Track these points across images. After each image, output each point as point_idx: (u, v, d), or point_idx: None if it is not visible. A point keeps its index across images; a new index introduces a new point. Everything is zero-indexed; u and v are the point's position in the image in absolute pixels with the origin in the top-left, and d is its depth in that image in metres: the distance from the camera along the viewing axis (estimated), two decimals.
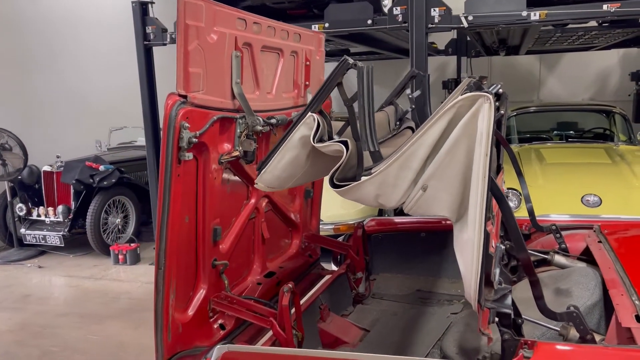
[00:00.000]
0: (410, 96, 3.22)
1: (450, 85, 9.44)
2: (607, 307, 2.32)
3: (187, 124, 2.01)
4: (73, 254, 6.85)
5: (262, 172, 2.09)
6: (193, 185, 2.24)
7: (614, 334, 2.01)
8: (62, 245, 6.59)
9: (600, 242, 2.84)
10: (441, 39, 9.37)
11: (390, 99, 3.10)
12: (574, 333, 1.97)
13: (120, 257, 6.36)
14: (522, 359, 1.65)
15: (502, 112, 2.89)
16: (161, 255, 2.07)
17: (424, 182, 1.69)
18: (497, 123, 2.95)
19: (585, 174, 5.25)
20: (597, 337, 1.99)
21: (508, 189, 5.03)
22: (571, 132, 6.88)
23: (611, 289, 2.22)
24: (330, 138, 1.92)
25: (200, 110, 2.10)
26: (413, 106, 3.15)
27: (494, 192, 1.89)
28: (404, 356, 1.71)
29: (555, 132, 7.02)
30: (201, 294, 2.35)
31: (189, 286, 2.31)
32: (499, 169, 2.73)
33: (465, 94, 1.55)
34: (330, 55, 9.96)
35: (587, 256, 2.85)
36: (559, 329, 2.02)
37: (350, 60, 1.95)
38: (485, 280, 1.74)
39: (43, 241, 6.63)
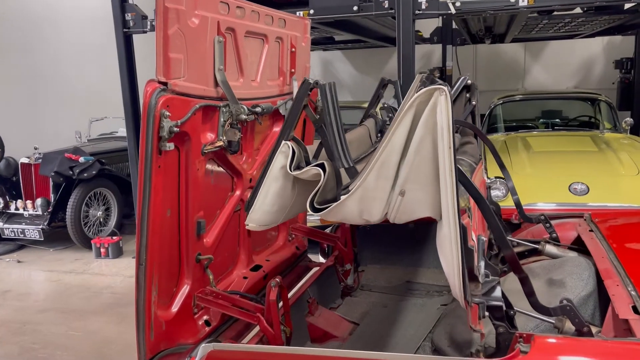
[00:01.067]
0: (385, 104, 3.16)
1: (435, 74, 9.38)
2: (601, 297, 2.28)
3: (167, 113, 1.91)
4: (53, 248, 6.71)
5: (250, 211, 1.99)
6: (175, 177, 2.15)
7: (611, 326, 1.97)
8: (42, 239, 6.43)
9: (591, 231, 2.80)
10: (426, 27, 9.31)
11: (368, 112, 3.04)
12: (569, 325, 1.93)
13: (102, 250, 6.23)
14: (518, 353, 1.59)
15: (474, 102, 2.90)
16: (142, 251, 1.98)
17: (400, 187, 1.67)
18: (471, 114, 2.93)
19: (572, 162, 5.24)
20: (594, 329, 1.94)
21: (495, 177, 4.99)
22: (557, 120, 6.87)
23: (606, 280, 2.17)
24: (308, 163, 1.88)
25: (182, 98, 2.01)
26: (390, 115, 3.09)
27: (467, 187, 1.85)
28: (392, 353, 1.65)
29: (541, 120, 7.01)
30: (185, 289, 2.27)
31: (172, 282, 2.23)
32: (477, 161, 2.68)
33: (420, 90, 1.52)
34: (314, 43, 9.85)
35: (578, 245, 2.81)
36: (553, 322, 1.97)
37: (311, 80, 1.92)
38: (469, 275, 1.70)
39: (22, 235, 6.47)
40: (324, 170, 1.75)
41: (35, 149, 6.70)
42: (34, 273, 5.97)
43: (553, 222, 3.11)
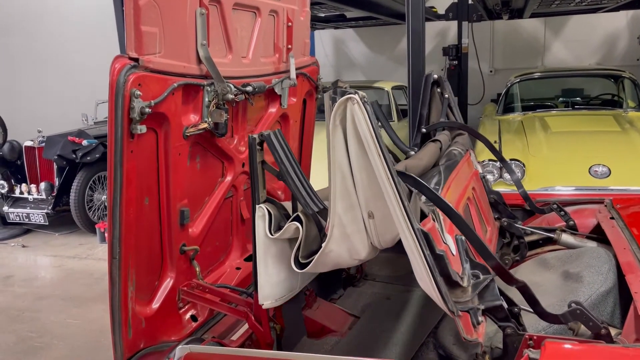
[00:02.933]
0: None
1: (451, 52, 9.06)
2: (622, 294, 2.07)
3: (138, 92, 1.74)
4: (59, 232, 6.64)
5: (258, 289, 1.84)
6: (153, 163, 1.98)
7: (633, 328, 1.77)
8: (47, 224, 6.36)
9: (612, 218, 2.58)
10: (441, 3, 8.99)
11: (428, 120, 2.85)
12: (585, 327, 1.73)
13: (107, 235, 6.11)
14: None
15: (447, 95, 2.79)
16: (115, 243, 1.83)
17: (366, 210, 1.57)
18: (448, 107, 2.81)
19: (593, 143, 4.97)
20: (613, 331, 1.74)
21: (510, 159, 4.78)
22: (577, 98, 6.57)
23: (628, 274, 1.96)
24: (289, 217, 1.74)
25: (157, 76, 1.83)
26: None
27: (432, 200, 1.72)
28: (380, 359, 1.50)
29: (560, 99, 6.72)
30: (168, 283, 2.12)
31: (153, 275, 2.07)
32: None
33: (333, 107, 1.45)
34: (325, 21, 9.58)
35: (598, 234, 2.59)
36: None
37: (256, 135, 1.77)
38: (448, 282, 1.54)
39: (27, 219, 6.40)
40: (302, 223, 1.63)
41: (39, 132, 6.60)
42: (38, 258, 5.91)
43: (570, 208, 2.90)
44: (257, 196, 1.74)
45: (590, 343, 1.58)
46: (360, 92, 1.43)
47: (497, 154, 2.89)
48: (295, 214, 1.69)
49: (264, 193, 1.77)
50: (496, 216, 2.72)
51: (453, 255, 1.73)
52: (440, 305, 1.50)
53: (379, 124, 2.87)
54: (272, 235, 1.70)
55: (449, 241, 1.74)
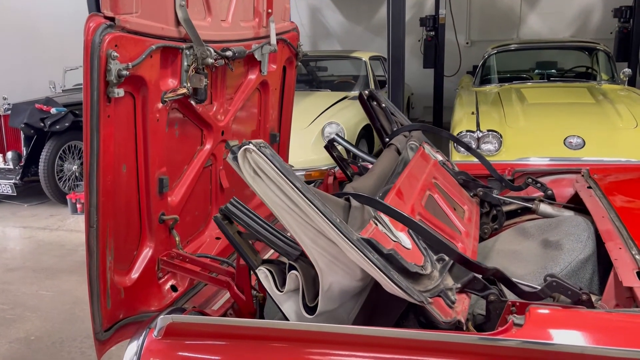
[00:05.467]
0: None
1: (428, 23, 9.00)
2: (600, 261, 2.10)
3: (115, 53, 1.65)
4: (28, 203, 6.46)
5: None
6: (130, 129, 1.91)
7: (612, 294, 1.79)
8: (15, 194, 6.17)
9: (590, 187, 2.60)
10: None
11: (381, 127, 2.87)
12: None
13: (79, 206, 5.99)
14: (511, 326, 1.40)
15: (384, 105, 2.85)
16: (92, 212, 1.76)
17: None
18: (390, 114, 2.84)
19: (568, 114, 5.02)
20: (592, 298, 1.76)
21: (488, 130, 4.80)
22: (553, 70, 6.62)
23: (607, 242, 1.99)
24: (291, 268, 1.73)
25: (134, 37, 1.75)
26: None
27: (367, 204, 1.77)
28: (364, 327, 1.48)
29: (536, 71, 6.76)
30: (147, 253, 2.07)
31: (132, 245, 2.02)
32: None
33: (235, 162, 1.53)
34: None
35: (575, 204, 2.62)
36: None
37: (217, 215, 1.80)
38: (408, 274, 1.55)
39: None
40: (297, 269, 1.63)
41: (4, 99, 6.35)
42: (7, 229, 5.75)
43: (548, 178, 2.92)
44: (252, 264, 1.74)
45: (574, 308, 1.59)
46: (254, 141, 1.51)
47: (462, 143, 3.01)
48: (290, 264, 1.69)
49: (257, 257, 1.76)
50: (472, 194, 2.74)
51: (409, 249, 1.73)
52: (407, 299, 1.50)
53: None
54: (281, 291, 1.69)
55: (400, 237, 1.74)
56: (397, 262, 1.52)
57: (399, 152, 2.57)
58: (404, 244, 1.73)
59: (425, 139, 2.84)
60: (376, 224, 1.72)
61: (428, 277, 1.63)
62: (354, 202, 1.71)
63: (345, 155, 3.04)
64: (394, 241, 1.71)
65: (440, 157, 2.77)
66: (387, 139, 2.76)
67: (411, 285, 1.52)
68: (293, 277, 1.65)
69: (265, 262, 1.74)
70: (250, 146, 1.48)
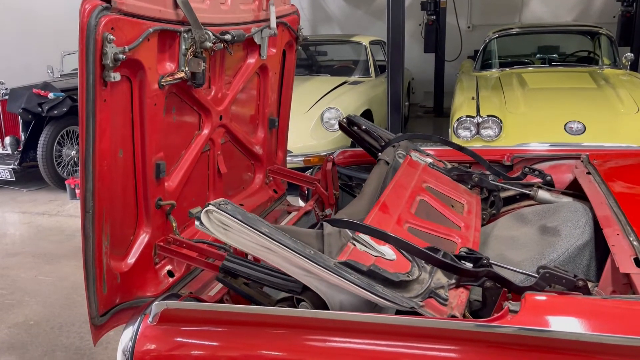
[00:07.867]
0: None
1: (429, 7, 8.91)
2: (598, 248, 2.10)
3: (112, 36, 1.63)
4: (27, 189, 6.45)
5: None
6: (127, 113, 1.89)
7: (609, 281, 1.79)
8: (14, 180, 6.15)
9: (589, 173, 2.59)
10: None
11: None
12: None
13: (78, 191, 5.98)
14: (507, 313, 1.40)
15: (364, 127, 2.88)
16: (88, 197, 1.75)
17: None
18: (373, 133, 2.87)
19: (569, 99, 4.99)
20: (589, 284, 1.76)
21: (488, 115, 4.78)
22: (554, 55, 6.57)
23: (605, 228, 1.98)
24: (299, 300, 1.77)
25: (131, 20, 1.73)
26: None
27: (348, 227, 1.80)
28: (360, 313, 1.49)
29: (537, 55, 6.71)
30: (144, 238, 2.06)
31: (128, 230, 2.01)
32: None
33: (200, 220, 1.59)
34: None
35: (574, 190, 2.61)
36: None
37: (218, 275, 1.88)
38: (394, 285, 1.57)
39: None
40: (301, 295, 1.67)
41: (2, 83, 6.30)
42: (6, 215, 5.74)
43: (547, 164, 2.91)
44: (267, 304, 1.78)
45: (570, 295, 1.59)
46: (213, 201, 1.57)
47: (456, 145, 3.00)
48: (297, 298, 1.71)
49: (270, 298, 1.80)
50: (469, 185, 2.73)
51: (393, 259, 1.74)
52: (399, 308, 1.52)
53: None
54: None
55: (383, 250, 1.76)
56: (379, 275, 1.56)
57: (388, 164, 2.60)
58: (388, 256, 1.75)
59: (413, 146, 2.88)
60: (354, 244, 1.75)
61: (417, 281, 1.65)
62: (327, 229, 1.73)
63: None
64: (376, 256, 1.73)
65: (430, 160, 2.78)
66: (379, 154, 2.77)
67: (399, 293, 1.55)
68: (303, 306, 1.69)
69: (278, 301, 1.77)
70: (211, 207, 1.55)
